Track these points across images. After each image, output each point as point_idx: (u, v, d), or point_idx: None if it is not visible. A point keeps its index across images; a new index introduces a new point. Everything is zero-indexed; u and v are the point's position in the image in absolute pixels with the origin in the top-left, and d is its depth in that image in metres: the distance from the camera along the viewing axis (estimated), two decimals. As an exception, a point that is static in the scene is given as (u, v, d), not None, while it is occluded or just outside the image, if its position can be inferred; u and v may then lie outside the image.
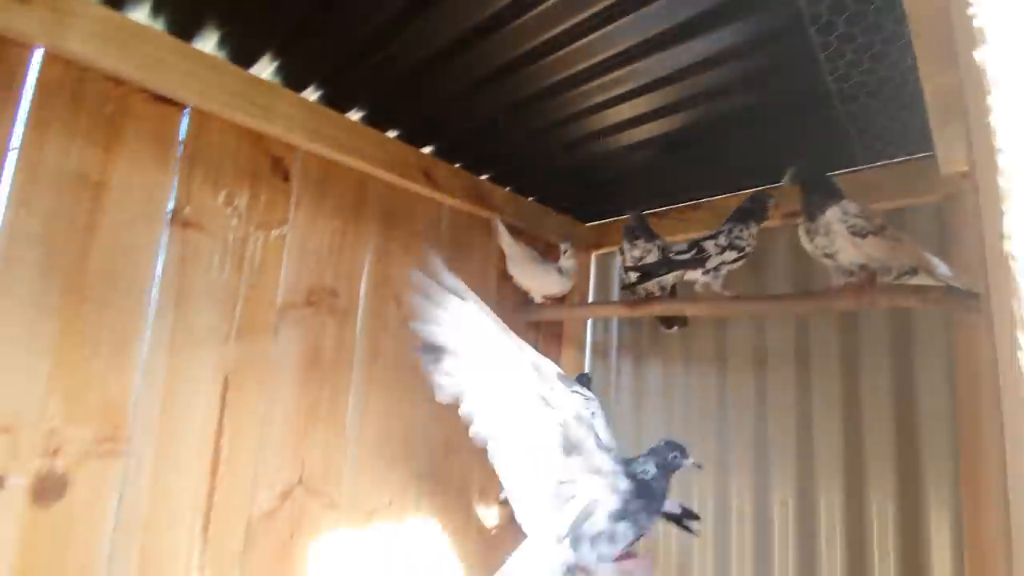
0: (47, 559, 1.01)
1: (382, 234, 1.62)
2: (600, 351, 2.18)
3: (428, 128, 1.63)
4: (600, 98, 1.40)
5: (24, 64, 1.06)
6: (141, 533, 1.11)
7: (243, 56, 1.30)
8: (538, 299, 1.86)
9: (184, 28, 1.20)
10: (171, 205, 1.22)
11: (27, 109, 1.05)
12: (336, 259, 1.50)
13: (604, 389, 2.12)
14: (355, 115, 1.55)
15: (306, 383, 1.40)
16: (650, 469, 0.90)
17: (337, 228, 1.51)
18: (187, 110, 1.26)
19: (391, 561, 1.52)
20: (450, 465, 1.71)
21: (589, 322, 2.21)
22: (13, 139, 1.03)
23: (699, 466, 0.96)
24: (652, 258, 1.53)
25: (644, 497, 0.87)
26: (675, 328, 1.72)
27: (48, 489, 1.01)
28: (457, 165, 1.81)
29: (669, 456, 0.91)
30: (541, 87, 1.38)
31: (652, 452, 0.93)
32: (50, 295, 1.04)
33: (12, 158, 1.03)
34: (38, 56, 1.08)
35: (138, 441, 1.11)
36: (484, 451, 1.79)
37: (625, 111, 1.46)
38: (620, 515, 0.87)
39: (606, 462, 0.88)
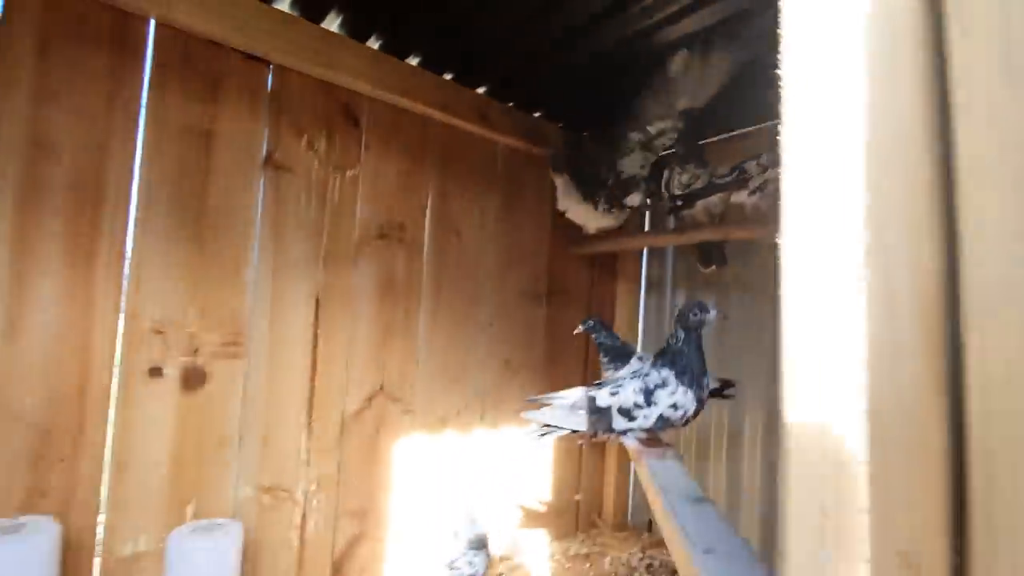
0: (195, 434, 1.32)
1: (442, 173, 1.79)
2: (655, 284, 2.28)
3: (481, 68, 1.75)
4: (655, 19, 1.44)
5: (143, 34, 1.29)
6: (262, 419, 1.40)
7: (313, 12, 1.47)
8: (592, 231, 1.97)
9: (264, -10, 1.39)
10: (264, 150, 1.45)
11: (149, 72, 1.30)
12: (402, 197, 1.70)
13: (658, 322, 2.23)
14: (413, 60, 1.69)
15: (382, 306, 1.64)
16: (680, 335, 1.01)
17: (402, 169, 1.70)
18: (271, 66, 1.46)
19: (460, 462, 1.77)
20: (511, 384, 1.92)
21: (644, 257, 2.30)
22: (143, 98, 1.28)
23: (724, 316, 1.03)
24: (701, 184, 1.59)
25: (680, 365, 0.99)
26: (712, 268, 1.77)
27: (192, 379, 1.31)
28: (510, 104, 1.92)
29: (691, 316, 1.01)
30: (588, 16, 1.44)
31: (677, 318, 1.04)
32: (181, 228, 1.31)
33: (143, 114, 1.28)
34: (152, 27, 1.31)
35: (254, 346, 1.40)
36: (541, 373, 1.98)
37: (673, 34, 1.49)
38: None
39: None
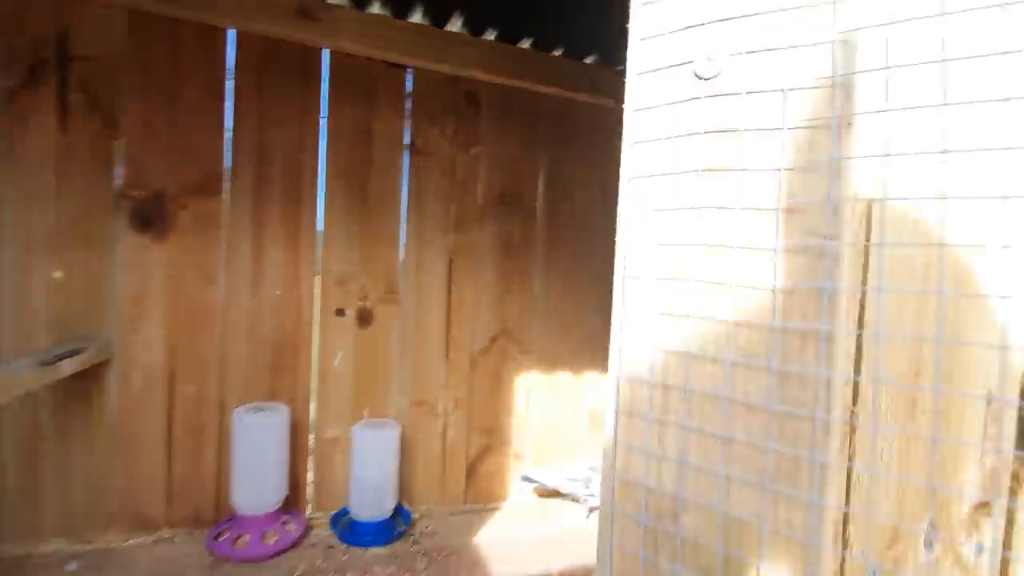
0: (367, 358, 1.79)
1: (555, 141, 2.00)
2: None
3: (590, 39, 1.89)
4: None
5: (319, 61, 1.73)
6: (412, 350, 1.83)
7: (439, 19, 1.78)
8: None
9: (401, 9, 1.73)
10: (407, 139, 1.82)
11: (327, 89, 1.74)
12: (518, 167, 1.96)
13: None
14: (525, 43, 1.91)
15: (503, 262, 1.94)
16: None
17: (517, 142, 1.95)
18: (410, 69, 1.82)
19: (570, 395, 2.04)
20: (621, 333, 2.10)
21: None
22: (323, 111, 1.73)
23: None
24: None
25: None
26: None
27: (364, 318, 1.78)
28: (620, 68, 2.03)
29: None
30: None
31: None
32: (352, 206, 1.76)
33: (323, 123, 1.74)
34: (326, 55, 1.74)
35: (405, 295, 1.82)
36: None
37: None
38: None
39: None
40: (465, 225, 1.89)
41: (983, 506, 0.55)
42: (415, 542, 1.63)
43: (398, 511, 1.73)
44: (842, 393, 0.33)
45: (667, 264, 0.39)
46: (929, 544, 0.53)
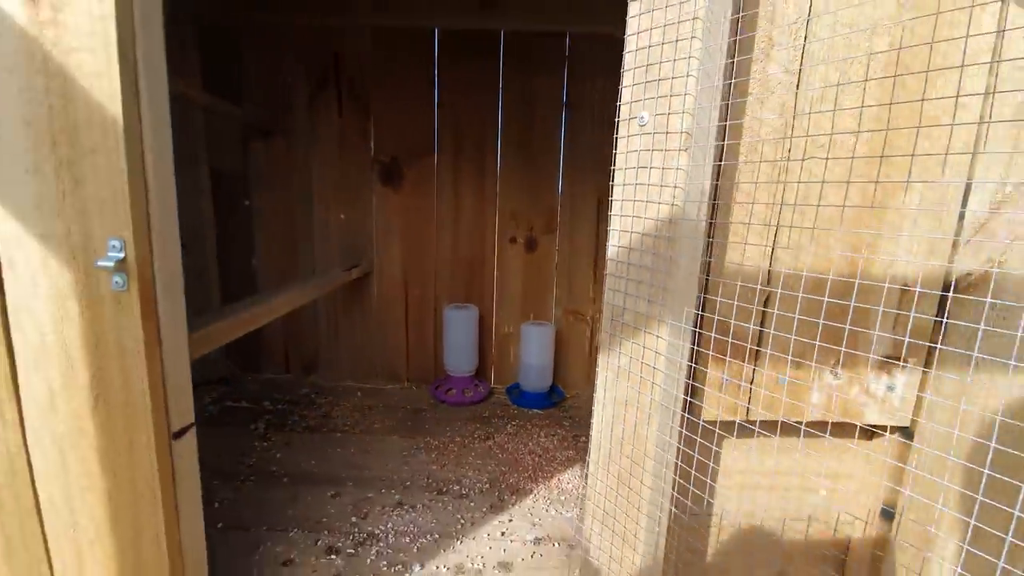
0: (533, 276, 2.38)
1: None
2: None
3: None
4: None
5: (497, 41, 2.23)
6: (566, 271, 2.37)
7: (590, -11, 2.12)
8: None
9: (557, -12, 2.11)
10: (564, 97, 2.26)
11: (501, 64, 2.25)
12: (661, 113, 2.25)
13: None
14: (669, -2, 2.14)
15: (644, 199, 2.30)
16: None
17: (660, 90, 2.23)
18: (567, 35, 2.21)
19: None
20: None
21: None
22: (499, 82, 2.25)
23: None
24: None
25: None
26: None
27: (530, 245, 2.35)
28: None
29: None
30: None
31: None
32: (520, 156, 2.29)
33: (500, 93, 2.26)
34: (502, 36, 2.23)
35: (562, 227, 2.33)
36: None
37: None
38: None
39: None
40: (610, 169, 2.29)
41: (891, 359, 0.88)
42: (564, 410, 2.23)
43: (554, 389, 2.34)
44: (686, 266, 0.74)
45: (625, 206, 0.82)
46: (836, 375, 0.89)
